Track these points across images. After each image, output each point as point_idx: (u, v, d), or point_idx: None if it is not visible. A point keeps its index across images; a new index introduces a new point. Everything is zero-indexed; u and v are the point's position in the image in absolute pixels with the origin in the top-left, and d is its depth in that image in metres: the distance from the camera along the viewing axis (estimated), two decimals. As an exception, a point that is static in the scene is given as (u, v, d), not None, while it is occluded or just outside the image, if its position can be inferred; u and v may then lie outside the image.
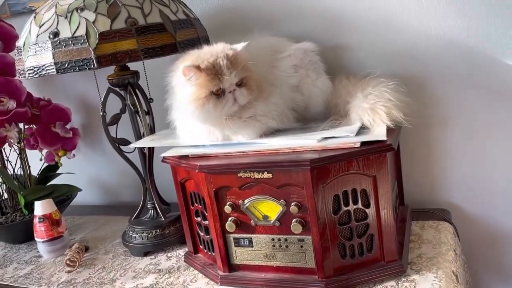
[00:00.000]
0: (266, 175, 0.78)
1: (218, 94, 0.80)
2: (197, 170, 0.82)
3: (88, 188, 1.47)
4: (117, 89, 1.04)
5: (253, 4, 1.11)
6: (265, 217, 0.82)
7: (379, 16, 1.01)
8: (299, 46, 0.94)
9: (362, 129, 0.82)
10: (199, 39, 0.97)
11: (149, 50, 0.87)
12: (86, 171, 1.48)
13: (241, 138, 0.86)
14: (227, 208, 0.83)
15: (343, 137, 0.79)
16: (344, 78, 0.96)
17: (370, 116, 0.82)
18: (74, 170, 1.39)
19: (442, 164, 1.06)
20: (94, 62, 0.84)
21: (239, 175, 0.80)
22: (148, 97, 1.07)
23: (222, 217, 0.85)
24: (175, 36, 0.90)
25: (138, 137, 1.07)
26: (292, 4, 1.08)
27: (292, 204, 0.78)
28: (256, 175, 0.79)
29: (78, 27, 0.85)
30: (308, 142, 0.80)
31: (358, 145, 0.76)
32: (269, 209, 0.81)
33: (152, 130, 1.08)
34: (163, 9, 0.91)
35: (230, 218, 0.84)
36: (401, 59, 1.02)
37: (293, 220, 0.79)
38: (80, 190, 1.31)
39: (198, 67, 0.79)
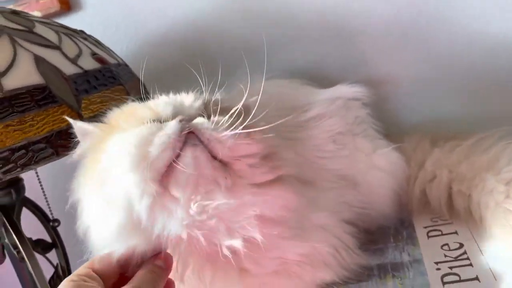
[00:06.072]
0: None
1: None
2: None
3: None
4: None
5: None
6: None
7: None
8: (332, 94, 0.49)
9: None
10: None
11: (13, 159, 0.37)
12: None
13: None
14: None
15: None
16: (427, 142, 0.51)
17: None
18: None
19: None
20: None
21: None
22: (51, 218, 0.57)
23: None
24: (79, 110, 0.41)
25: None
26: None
27: None
28: None
29: None
30: None
31: None
32: None
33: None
34: (43, 53, 0.41)
35: None
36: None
37: None
38: None
39: None
